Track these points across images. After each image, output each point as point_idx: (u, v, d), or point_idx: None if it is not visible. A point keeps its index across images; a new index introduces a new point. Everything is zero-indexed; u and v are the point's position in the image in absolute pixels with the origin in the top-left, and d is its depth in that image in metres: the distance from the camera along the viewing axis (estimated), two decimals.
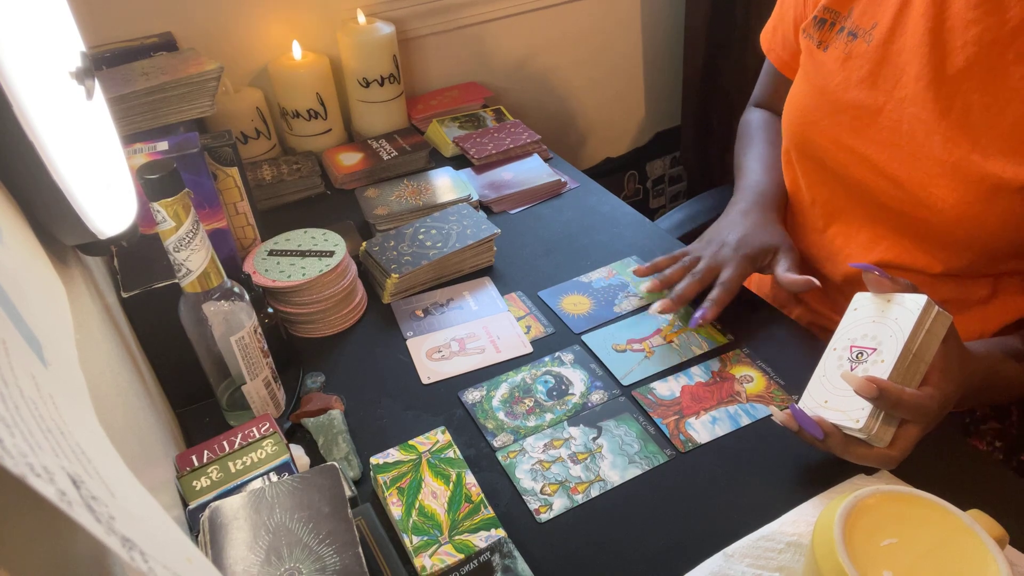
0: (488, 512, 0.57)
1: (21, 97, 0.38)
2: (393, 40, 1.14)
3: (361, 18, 1.14)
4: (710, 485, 0.62)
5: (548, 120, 1.53)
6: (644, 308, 0.82)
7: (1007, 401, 0.65)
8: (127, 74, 0.86)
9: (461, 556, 0.54)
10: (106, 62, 0.95)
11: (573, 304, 0.84)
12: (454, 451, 0.62)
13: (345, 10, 1.18)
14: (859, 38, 0.71)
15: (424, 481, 0.60)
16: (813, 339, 0.76)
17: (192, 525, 0.54)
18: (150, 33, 1.05)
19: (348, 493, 0.55)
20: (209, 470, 0.57)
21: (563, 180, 1.06)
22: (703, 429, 0.67)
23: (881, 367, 0.55)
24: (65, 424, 0.23)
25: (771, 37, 0.88)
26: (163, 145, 0.72)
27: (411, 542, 0.55)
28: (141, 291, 0.65)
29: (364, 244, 0.88)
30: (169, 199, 0.54)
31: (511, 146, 1.12)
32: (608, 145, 1.66)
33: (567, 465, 0.64)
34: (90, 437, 0.25)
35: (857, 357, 0.58)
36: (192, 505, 0.55)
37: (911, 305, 0.56)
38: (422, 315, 0.83)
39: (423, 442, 0.63)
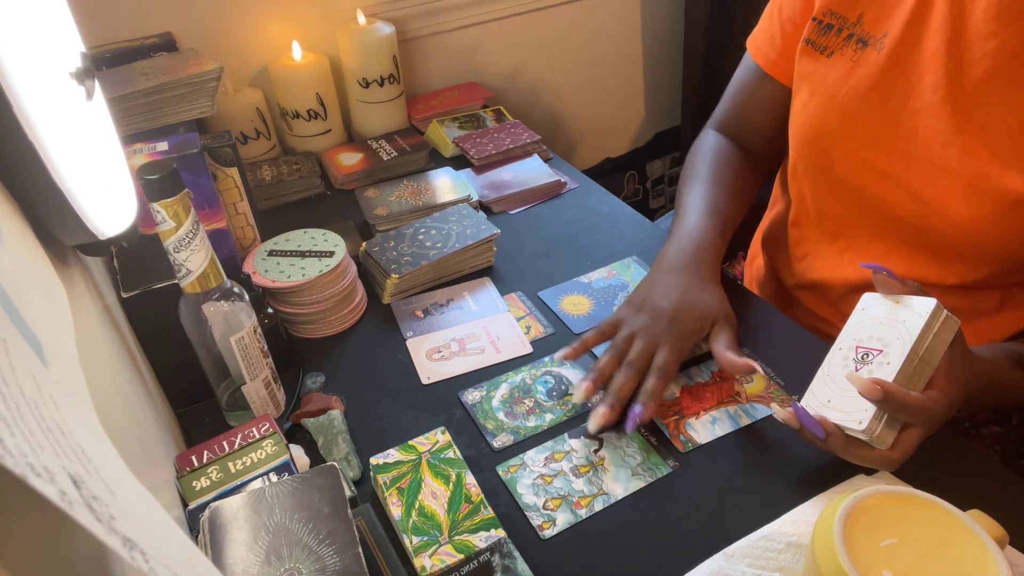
0: (488, 512, 0.57)
1: (21, 97, 0.38)
2: (393, 40, 1.14)
3: (361, 18, 1.14)
4: (710, 486, 0.62)
5: (548, 120, 1.53)
6: None
7: (1010, 405, 0.64)
8: (127, 74, 0.86)
9: (461, 556, 0.54)
10: (106, 62, 0.95)
11: (573, 304, 0.84)
12: (454, 451, 0.62)
13: (345, 10, 1.18)
14: (869, 46, 0.69)
15: (424, 481, 0.60)
16: (813, 340, 0.76)
17: (192, 525, 0.54)
18: (150, 33, 1.05)
19: (348, 493, 0.55)
20: (209, 470, 0.57)
21: (563, 180, 1.06)
22: (703, 429, 0.67)
23: (887, 369, 0.55)
24: (66, 424, 0.23)
25: (764, 43, 0.84)
26: (163, 145, 0.72)
27: (411, 542, 0.55)
28: (141, 291, 0.65)
29: (364, 244, 0.88)
30: (169, 199, 0.54)
31: (511, 146, 1.12)
32: (608, 145, 1.66)
33: (569, 479, 0.63)
34: (90, 437, 0.25)
35: (863, 358, 0.58)
36: (192, 505, 0.55)
37: (920, 308, 0.56)
38: (422, 315, 0.83)
39: (423, 442, 0.63)
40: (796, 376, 0.71)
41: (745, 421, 0.67)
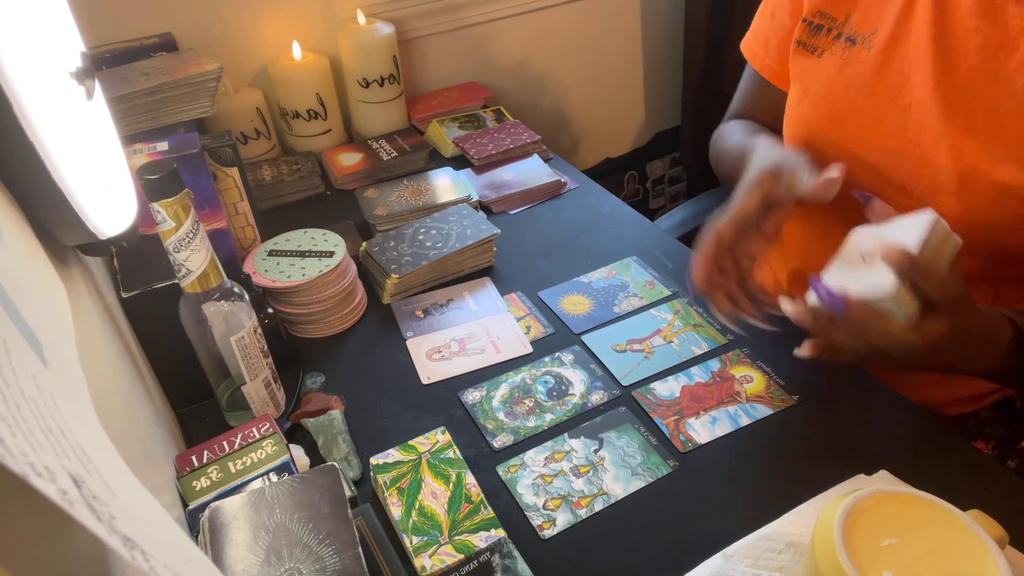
0: (488, 512, 0.57)
1: (21, 97, 0.38)
2: (393, 40, 1.14)
3: (361, 18, 1.14)
4: (710, 486, 0.62)
5: (548, 120, 1.53)
6: (644, 308, 0.82)
7: (989, 371, 0.63)
8: (127, 74, 0.86)
9: (461, 556, 0.54)
10: (106, 62, 0.95)
11: (573, 304, 0.84)
12: (454, 451, 0.62)
13: (345, 10, 1.18)
14: (858, 44, 0.71)
15: (424, 481, 0.60)
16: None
17: (192, 525, 0.53)
18: (150, 33, 1.05)
19: (348, 493, 0.55)
20: (209, 470, 0.57)
21: (563, 180, 1.06)
22: (703, 429, 0.67)
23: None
24: (66, 424, 0.23)
25: (757, 47, 0.85)
26: (163, 145, 0.72)
27: (411, 542, 0.55)
28: (141, 291, 0.65)
29: (364, 244, 0.88)
30: (169, 199, 0.54)
31: (511, 146, 1.12)
32: (608, 145, 1.66)
33: (569, 479, 0.63)
34: (91, 437, 0.25)
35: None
36: (192, 505, 0.55)
37: (921, 217, 0.55)
38: (422, 315, 0.83)
39: (423, 442, 0.63)
40: (796, 376, 0.71)
41: (745, 421, 0.67)
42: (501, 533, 0.56)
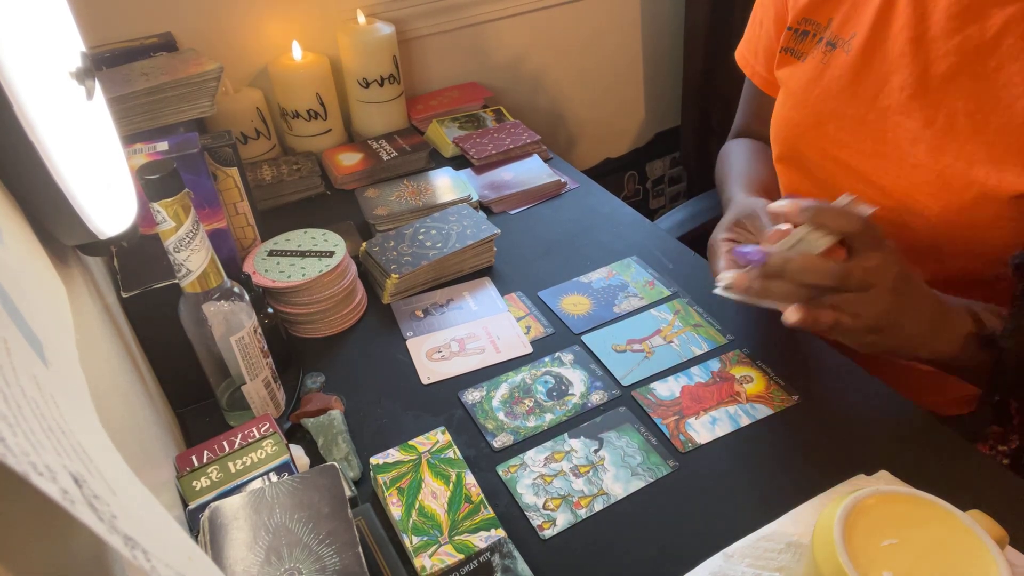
0: (488, 512, 0.57)
1: (21, 97, 0.38)
2: (393, 40, 1.14)
3: (361, 18, 1.14)
4: (710, 485, 0.62)
5: (548, 120, 1.53)
6: (644, 308, 0.82)
7: (952, 358, 0.63)
8: (127, 74, 0.86)
9: (461, 556, 0.54)
10: (106, 62, 0.95)
11: (573, 304, 0.84)
12: (454, 451, 0.62)
13: (345, 10, 1.18)
14: (838, 48, 0.71)
15: (424, 481, 0.60)
16: (813, 339, 0.76)
17: (192, 525, 0.54)
18: (150, 33, 1.05)
19: (348, 493, 0.55)
20: (209, 470, 0.57)
21: (563, 180, 1.06)
22: (703, 429, 0.67)
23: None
24: (66, 423, 0.23)
25: (748, 55, 0.87)
26: (163, 145, 0.72)
27: (411, 542, 0.55)
28: (141, 291, 0.65)
29: (364, 244, 0.88)
30: (169, 199, 0.54)
31: (511, 146, 1.12)
32: (608, 145, 1.66)
33: (569, 479, 0.63)
34: (91, 437, 0.25)
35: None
36: (192, 505, 0.55)
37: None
38: (422, 315, 0.83)
39: (423, 442, 0.63)
40: (796, 376, 0.71)
41: (745, 421, 0.67)
42: (501, 533, 0.56)
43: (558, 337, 0.79)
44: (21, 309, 0.28)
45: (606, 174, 1.67)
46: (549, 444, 0.67)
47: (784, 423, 0.67)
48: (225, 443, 0.60)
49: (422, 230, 0.90)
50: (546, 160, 1.12)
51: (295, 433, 0.69)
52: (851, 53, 0.70)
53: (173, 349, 0.66)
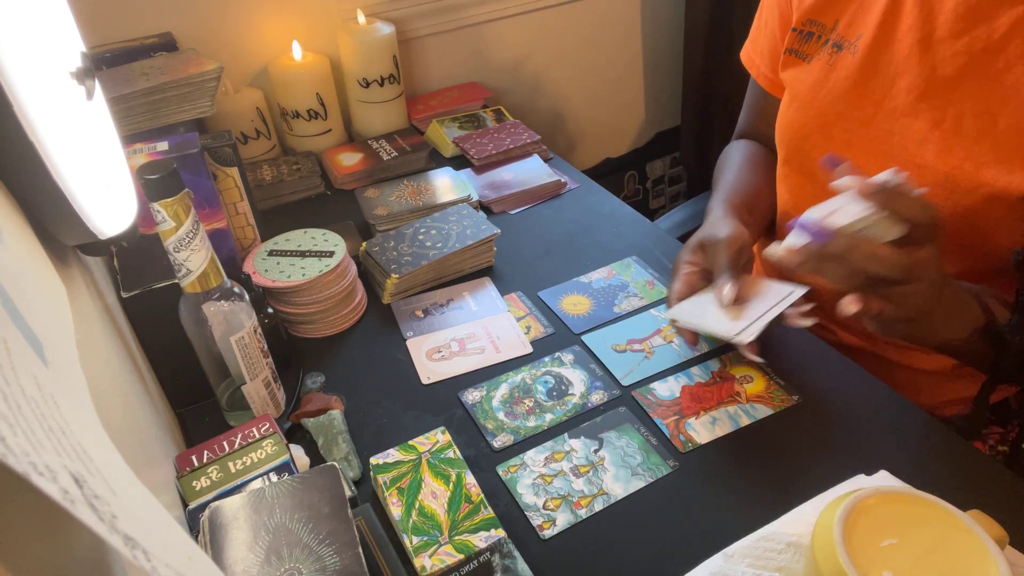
0: (488, 512, 0.57)
1: (21, 97, 0.38)
2: (393, 40, 1.14)
3: (361, 18, 1.14)
4: (710, 485, 0.62)
5: (548, 120, 1.53)
6: (644, 308, 0.82)
7: (958, 343, 0.63)
8: (127, 74, 0.86)
9: (461, 556, 0.54)
10: (106, 62, 0.95)
11: (573, 304, 0.84)
12: (454, 451, 0.62)
13: (345, 10, 1.18)
14: (844, 49, 0.71)
15: (424, 481, 0.60)
16: (813, 339, 0.76)
17: (192, 525, 0.54)
18: (150, 33, 1.05)
19: (348, 493, 0.55)
20: (209, 470, 0.57)
21: (563, 180, 1.06)
22: (703, 429, 0.67)
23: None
24: (67, 424, 0.23)
25: (754, 56, 0.87)
26: (163, 145, 0.72)
27: (411, 542, 0.55)
28: (141, 291, 0.65)
29: (364, 244, 0.88)
30: (169, 199, 0.54)
31: (511, 146, 1.12)
32: (608, 145, 1.66)
33: (569, 479, 0.63)
34: (91, 437, 0.25)
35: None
36: (192, 505, 0.55)
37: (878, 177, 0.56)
38: (422, 315, 0.83)
39: (423, 442, 0.63)
40: (796, 376, 0.71)
41: (745, 421, 0.67)
42: (501, 533, 0.56)
43: (558, 337, 0.79)
44: (21, 309, 0.28)
45: (606, 174, 1.67)
46: (549, 444, 0.66)
47: (784, 423, 0.67)
48: (225, 443, 0.60)
49: (422, 230, 0.90)
50: (546, 160, 1.12)
51: (295, 433, 0.69)
52: (857, 55, 0.70)
53: (173, 349, 0.66)
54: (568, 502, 0.61)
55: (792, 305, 0.68)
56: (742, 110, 0.96)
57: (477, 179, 1.07)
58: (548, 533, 0.59)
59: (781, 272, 0.87)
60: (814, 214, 0.57)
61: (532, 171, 1.07)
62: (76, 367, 0.32)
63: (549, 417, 0.69)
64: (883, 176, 0.55)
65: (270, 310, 0.74)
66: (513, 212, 1.02)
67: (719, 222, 0.74)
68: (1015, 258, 0.62)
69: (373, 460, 0.62)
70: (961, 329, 0.61)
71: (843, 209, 0.56)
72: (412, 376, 0.75)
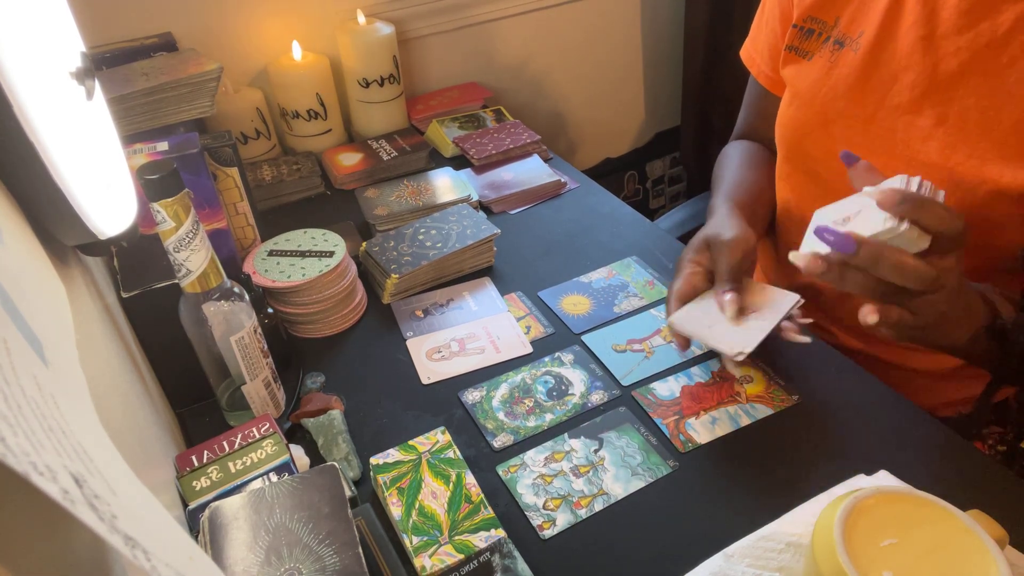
0: (488, 512, 0.57)
1: (21, 97, 0.38)
2: (393, 40, 1.14)
3: (361, 18, 1.14)
4: (710, 485, 0.62)
5: (548, 120, 1.53)
6: (644, 308, 0.82)
7: (963, 344, 0.63)
8: (127, 74, 0.86)
9: (461, 556, 0.54)
10: (106, 62, 0.95)
11: (573, 304, 0.84)
12: (454, 451, 0.62)
13: (345, 10, 1.18)
14: (846, 47, 0.71)
15: (424, 481, 0.60)
16: (813, 339, 0.76)
17: (192, 525, 0.54)
18: (150, 33, 1.05)
19: (348, 493, 0.55)
20: (209, 470, 0.57)
21: (563, 180, 1.06)
22: (703, 429, 0.67)
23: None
24: (67, 424, 0.23)
25: (754, 53, 0.87)
26: (163, 145, 0.72)
27: (411, 542, 0.55)
28: (141, 291, 0.65)
29: (364, 244, 0.88)
30: (169, 199, 0.54)
31: (511, 146, 1.12)
32: (608, 145, 1.66)
33: (569, 479, 0.63)
34: (91, 437, 0.25)
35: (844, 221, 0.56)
36: (192, 505, 0.55)
37: (893, 180, 0.55)
38: (422, 315, 0.83)
39: (423, 442, 0.63)
40: (796, 376, 0.71)
41: (745, 421, 0.67)
42: (501, 533, 0.56)
43: (558, 337, 0.79)
44: (21, 309, 0.28)
45: (606, 174, 1.67)
46: (549, 444, 0.66)
47: (784, 423, 0.67)
48: (225, 443, 0.60)
49: (422, 230, 0.90)
50: (546, 160, 1.12)
51: (295, 433, 0.69)
52: (859, 52, 0.69)
53: (173, 349, 0.66)
54: (568, 502, 0.61)
55: (791, 319, 0.68)
56: (741, 110, 0.95)
57: (477, 179, 1.07)
58: (548, 533, 0.59)
59: (787, 273, 0.87)
60: (828, 216, 0.56)
61: (532, 171, 1.07)
62: (76, 367, 0.32)
63: (549, 417, 0.69)
64: (896, 182, 0.54)
65: (270, 310, 0.74)
66: (513, 212, 1.02)
67: (725, 221, 0.74)
68: (1022, 255, 0.62)
69: (373, 460, 0.62)
70: (968, 330, 0.61)
71: (864, 216, 0.54)
72: (412, 376, 0.75)
